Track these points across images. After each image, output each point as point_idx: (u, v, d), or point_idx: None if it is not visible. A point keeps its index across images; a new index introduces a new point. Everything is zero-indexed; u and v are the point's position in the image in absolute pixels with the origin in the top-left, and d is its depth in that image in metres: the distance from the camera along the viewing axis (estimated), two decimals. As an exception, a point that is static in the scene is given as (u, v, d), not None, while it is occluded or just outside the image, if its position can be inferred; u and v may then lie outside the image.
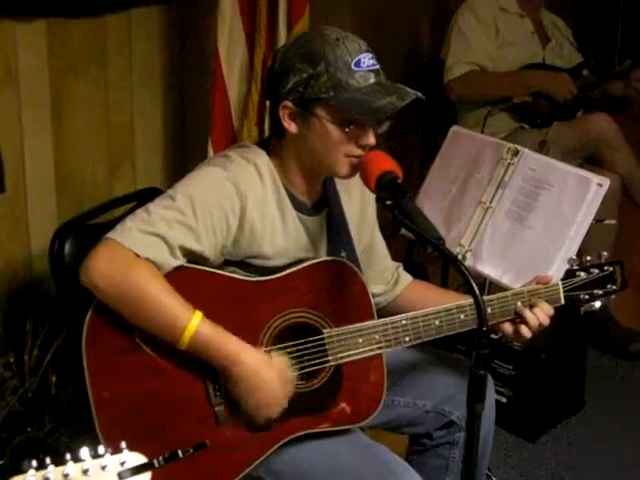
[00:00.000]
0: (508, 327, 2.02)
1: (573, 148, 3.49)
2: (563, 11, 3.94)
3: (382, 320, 1.91)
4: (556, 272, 2.34)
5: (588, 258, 2.11)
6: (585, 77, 3.70)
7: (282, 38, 2.78)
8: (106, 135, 2.77)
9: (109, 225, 1.79)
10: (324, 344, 1.86)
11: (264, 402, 1.76)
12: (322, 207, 1.97)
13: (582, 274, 2.08)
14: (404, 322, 1.90)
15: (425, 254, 3.48)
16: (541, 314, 1.99)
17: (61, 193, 2.62)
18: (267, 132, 2.87)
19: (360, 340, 1.87)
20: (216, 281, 1.80)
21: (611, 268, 2.11)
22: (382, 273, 2.15)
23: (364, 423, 1.92)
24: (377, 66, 1.81)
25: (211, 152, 2.83)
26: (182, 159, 3.04)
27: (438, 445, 2.17)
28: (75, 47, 2.58)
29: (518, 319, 2.00)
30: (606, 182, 2.39)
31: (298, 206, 1.91)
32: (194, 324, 1.69)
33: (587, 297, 2.08)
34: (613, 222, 3.49)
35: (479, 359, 1.56)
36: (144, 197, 1.89)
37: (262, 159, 1.87)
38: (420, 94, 1.79)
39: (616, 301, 2.18)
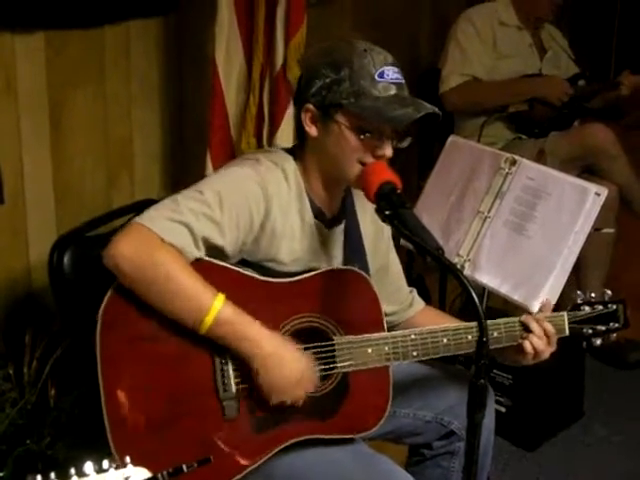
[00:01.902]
0: (512, 351, 2.03)
1: (571, 158, 3.50)
2: (559, 22, 3.95)
3: (392, 333, 1.92)
4: (554, 282, 2.34)
5: (592, 294, 2.14)
6: (581, 87, 3.71)
7: (280, 50, 2.79)
8: (104, 146, 2.77)
9: (108, 236, 1.79)
10: (333, 351, 1.86)
11: (282, 384, 1.77)
12: (340, 220, 1.99)
13: (587, 308, 2.11)
14: (413, 337, 1.91)
15: (423, 264, 3.49)
16: (548, 326, 2.00)
17: (60, 205, 2.63)
18: (265, 143, 2.88)
19: (369, 350, 1.88)
20: (234, 277, 1.81)
21: (614, 306, 2.14)
22: (395, 294, 2.15)
23: (367, 434, 1.92)
24: (401, 80, 1.83)
25: (209, 163, 2.83)
26: (180, 170, 3.05)
27: (438, 455, 2.17)
28: (73, 59, 2.58)
29: (524, 334, 2.00)
30: (604, 191, 2.39)
31: (318, 215, 1.93)
32: (217, 306, 1.71)
33: (590, 332, 2.12)
34: (611, 231, 3.50)
35: (479, 369, 1.56)
36: (142, 208, 1.89)
37: (289, 164, 1.90)
38: (437, 109, 1.82)
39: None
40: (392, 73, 1.81)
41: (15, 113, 2.45)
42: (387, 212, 1.73)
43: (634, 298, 2.28)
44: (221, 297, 1.72)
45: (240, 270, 1.82)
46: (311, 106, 1.84)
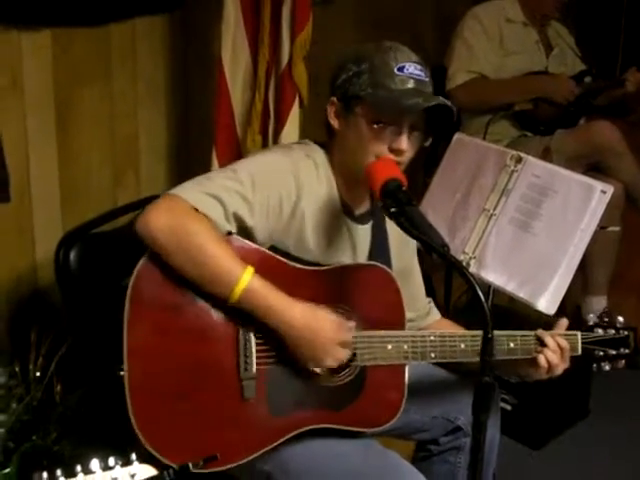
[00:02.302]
0: (526, 365, 2.03)
1: (576, 155, 3.49)
2: (566, 19, 3.95)
3: (412, 332, 1.94)
4: (560, 279, 2.34)
5: (606, 319, 2.14)
6: (587, 84, 3.70)
7: (285, 48, 2.79)
8: (110, 144, 2.78)
9: (113, 234, 1.80)
10: (354, 343, 1.86)
11: (316, 352, 1.78)
12: (367, 219, 2.01)
13: (600, 331, 2.12)
14: (432, 338, 1.92)
15: (428, 261, 3.48)
16: (562, 341, 2.00)
17: (66, 202, 2.63)
18: (271, 141, 2.88)
19: (389, 347, 1.89)
20: (262, 257, 1.82)
21: (626, 332, 2.15)
22: (414, 301, 2.15)
23: (379, 429, 1.93)
24: (423, 77, 1.85)
25: (215, 161, 2.83)
26: (186, 168, 3.05)
27: (444, 451, 2.17)
28: (79, 56, 2.59)
29: (538, 348, 2.00)
30: (610, 189, 2.39)
31: (346, 210, 1.95)
32: (247, 277, 1.72)
33: (601, 354, 2.12)
34: (617, 229, 3.50)
35: (485, 366, 1.56)
36: (148, 205, 1.89)
37: (321, 157, 1.92)
38: (449, 103, 1.83)
39: (619, 308, 2.20)
40: (413, 69, 1.84)
41: (21, 111, 2.45)
42: (393, 209, 1.73)
43: (638, 295, 2.27)
44: (250, 269, 1.74)
45: (269, 252, 1.84)
46: (335, 99, 1.88)
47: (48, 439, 2.25)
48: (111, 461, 1.17)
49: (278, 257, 1.84)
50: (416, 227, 1.69)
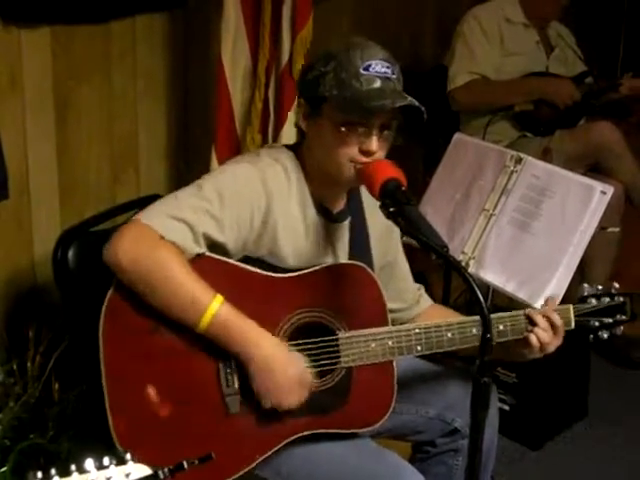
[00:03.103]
0: (518, 345, 2.02)
1: (576, 156, 3.49)
2: (566, 19, 3.94)
3: (396, 327, 1.92)
4: (559, 280, 2.34)
5: (599, 287, 2.12)
6: (588, 85, 3.70)
7: (286, 46, 2.79)
8: (109, 142, 2.77)
9: (112, 231, 1.79)
10: (337, 345, 1.86)
11: (277, 388, 1.76)
12: (345, 217, 1.98)
13: (593, 301, 2.09)
14: (417, 331, 1.91)
15: (427, 262, 3.48)
16: (555, 317, 1.98)
17: (64, 199, 2.63)
18: (271, 139, 2.87)
19: (373, 345, 1.88)
20: (235, 272, 1.81)
21: (622, 298, 2.13)
22: (401, 293, 2.14)
23: (372, 428, 1.93)
24: (389, 75, 1.80)
25: (214, 159, 2.83)
26: (185, 166, 3.04)
27: (442, 452, 2.16)
28: (79, 54, 2.58)
29: (529, 327, 1.99)
30: (610, 190, 2.39)
31: (321, 211, 1.92)
32: (215, 306, 1.71)
33: (597, 324, 2.10)
34: (616, 230, 3.50)
35: (483, 366, 1.56)
36: (147, 204, 1.89)
37: (290, 160, 1.89)
38: (417, 103, 1.78)
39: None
40: (379, 67, 1.79)
41: (21, 108, 2.45)
42: (392, 209, 1.72)
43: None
44: (219, 298, 1.72)
45: (242, 266, 1.82)
46: (303, 101, 1.85)
47: (46, 438, 2.25)
48: (106, 460, 1.17)
49: (252, 269, 1.82)
50: (415, 227, 1.68)
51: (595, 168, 3.56)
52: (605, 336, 2.12)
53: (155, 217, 1.74)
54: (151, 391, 1.75)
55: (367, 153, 1.80)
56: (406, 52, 4.06)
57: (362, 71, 1.77)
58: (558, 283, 2.34)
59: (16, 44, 2.40)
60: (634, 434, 3.17)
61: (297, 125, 1.91)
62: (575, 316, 2.07)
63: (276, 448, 1.83)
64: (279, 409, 1.79)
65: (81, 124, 2.64)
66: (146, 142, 2.91)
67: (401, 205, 1.72)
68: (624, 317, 2.12)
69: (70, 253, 2.00)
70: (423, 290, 2.23)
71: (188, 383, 1.77)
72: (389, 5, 4.06)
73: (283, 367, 1.76)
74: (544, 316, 1.98)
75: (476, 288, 1.56)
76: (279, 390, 1.77)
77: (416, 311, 2.17)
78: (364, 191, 1.97)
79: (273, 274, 1.84)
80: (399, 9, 4.13)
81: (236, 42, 2.80)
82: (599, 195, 2.37)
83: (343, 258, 1.98)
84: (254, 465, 1.81)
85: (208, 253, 1.78)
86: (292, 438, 1.84)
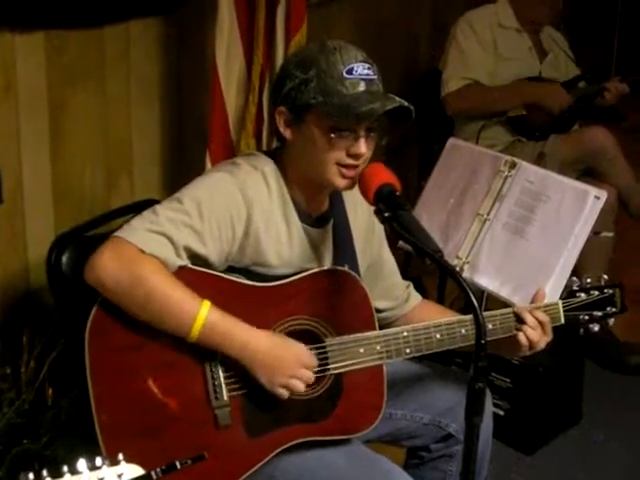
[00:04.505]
0: (508, 343, 2.02)
1: (570, 161, 3.50)
2: (559, 24, 3.96)
3: (384, 331, 1.91)
4: (553, 285, 2.34)
5: (588, 280, 2.12)
6: (582, 89, 3.71)
7: (280, 51, 2.79)
8: (104, 147, 2.77)
9: (106, 236, 1.79)
10: (325, 352, 1.86)
11: (283, 366, 1.76)
12: (328, 220, 1.98)
13: (582, 295, 2.10)
14: (405, 334, 1.90)
15: (421, 267, 3.48)
16: (541, 315, 1.99)
17: (59, 204, 2.62)
18: (265, 144, 2.87)
19: (361, 350, 1.87)
20: (220, 284, 1.80)
21: (611, 291, 2.13)
22: (390, 290, 2.14)
23: (364, 433, 1.92)
24: (372, 76, 1.80)
25: (209, 164, 2.83)
26: (180, 171, 3.04)
27: (436, 458, 2.16)
28: (73, 58, 2.58)
29: (517, 326, 1.99)
30: (604, 195, 2.39)
31: (303, 217, 1.91)
32: (204, 313, 1.70)
33: (587, 318, 2.10)
34: (610, 235, 3.50)
35: (477, 372, 1.56)
36: (141, 209, 1.89)
37: (269, 167, 1.88)
38: (406, 103, 1.79)
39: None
40: (361, 69, 1.78)
41: (15, 113, 2.44)
42: (386, 214, 1.73)
43: (631, 301, 2.27)
44: (207, 303, 1.71)
45: (226, 276, 1.82)
46: (283, 108, 1.83)
47: (39, 443, 2.24)
48: (98, 461, 1.16)
49: (236, 279, 1.82)
50: (409, 232, 1.69)
51: (589, 173, 3.57)
52: (596, 329, 2.11)
53: (134, 233, 1.72)
54: (140, 409, 1.74)
55: (356, 156, 1.80)
56: (402, 55, 4.07)
57: (345, 75, 1.77)
58: (552, 288, 2.33)
59: (10, 48, 2.39)
60: (628, 439, 3.17)
61: (275, 131, 1.89)
62: (564, 311, 2.07)
63: (268, 458, 1.82)
64: (293, 390, 1.78)
65: (75, 129, 2.64)
66: (140, 147, 2.91)
67: (395, 210, 1.72)
68: (614, 309, 2.12)
69: (64, 258, 2.00)
70: (412, 287, 2.22)
71: (176, 398, 1.76)
72: (387, 9, 4.06)
73: (284, 349, 1.77)
74: (532, 314, 1.99)
75: (470, 293, 1.57)
76: (285, 366, 1.76)
77: (407, 308, 2.17)
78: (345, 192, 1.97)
79: (258, 283, 1.83)
80: (397, 13, 4.14)
81: (230, 47, 2.80)
82: (593, 200, 2.37)
83: (328, 262, 1.97)
84: (248, 475, 1.81)
85: (190, 265, 1.77)
86: (283, 447, 1.83)
